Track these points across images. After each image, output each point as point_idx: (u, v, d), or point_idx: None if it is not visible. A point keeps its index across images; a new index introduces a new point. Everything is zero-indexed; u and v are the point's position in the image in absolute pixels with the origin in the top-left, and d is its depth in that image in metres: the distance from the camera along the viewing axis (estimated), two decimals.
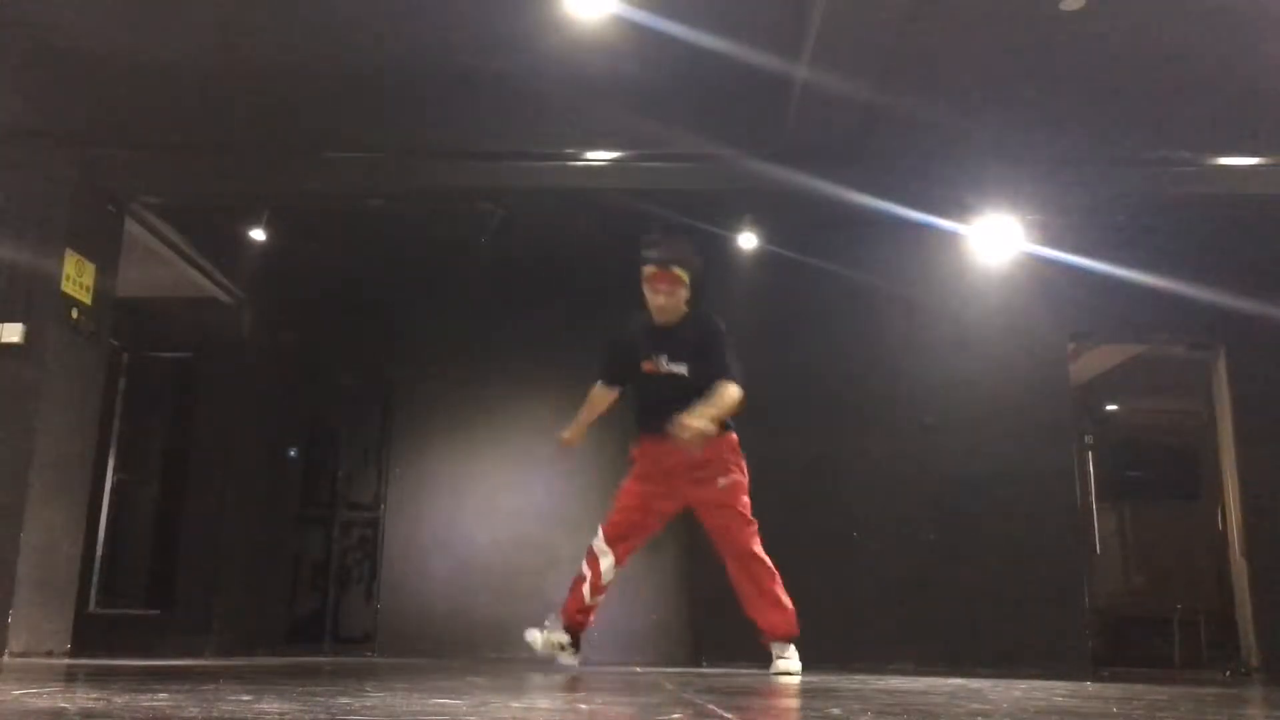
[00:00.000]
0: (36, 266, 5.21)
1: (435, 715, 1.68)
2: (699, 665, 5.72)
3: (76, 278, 5.35)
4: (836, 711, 1.97)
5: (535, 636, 4.06)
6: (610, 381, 4.28)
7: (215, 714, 1.61)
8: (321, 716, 1.61)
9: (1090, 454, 7.81)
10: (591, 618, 4.10)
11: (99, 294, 5.52)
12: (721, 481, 3.96)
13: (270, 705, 1.80)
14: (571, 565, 7.34)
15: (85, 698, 1.98)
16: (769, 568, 3.98)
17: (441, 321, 7.74)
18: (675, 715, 1.84)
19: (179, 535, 7.13)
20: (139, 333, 7.24)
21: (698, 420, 3.65)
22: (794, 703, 2.35)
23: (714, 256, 6.56)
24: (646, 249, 4.00)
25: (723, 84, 5.24)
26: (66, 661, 4.51)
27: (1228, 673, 6.14)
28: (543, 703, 2.10)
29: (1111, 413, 8.66)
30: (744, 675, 4.06)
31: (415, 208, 6.46)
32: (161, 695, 2.00)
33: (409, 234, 7.00)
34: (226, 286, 7.07)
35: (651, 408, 3.98)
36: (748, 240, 6.35)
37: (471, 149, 5.67)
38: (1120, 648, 7.47)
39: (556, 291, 7.53)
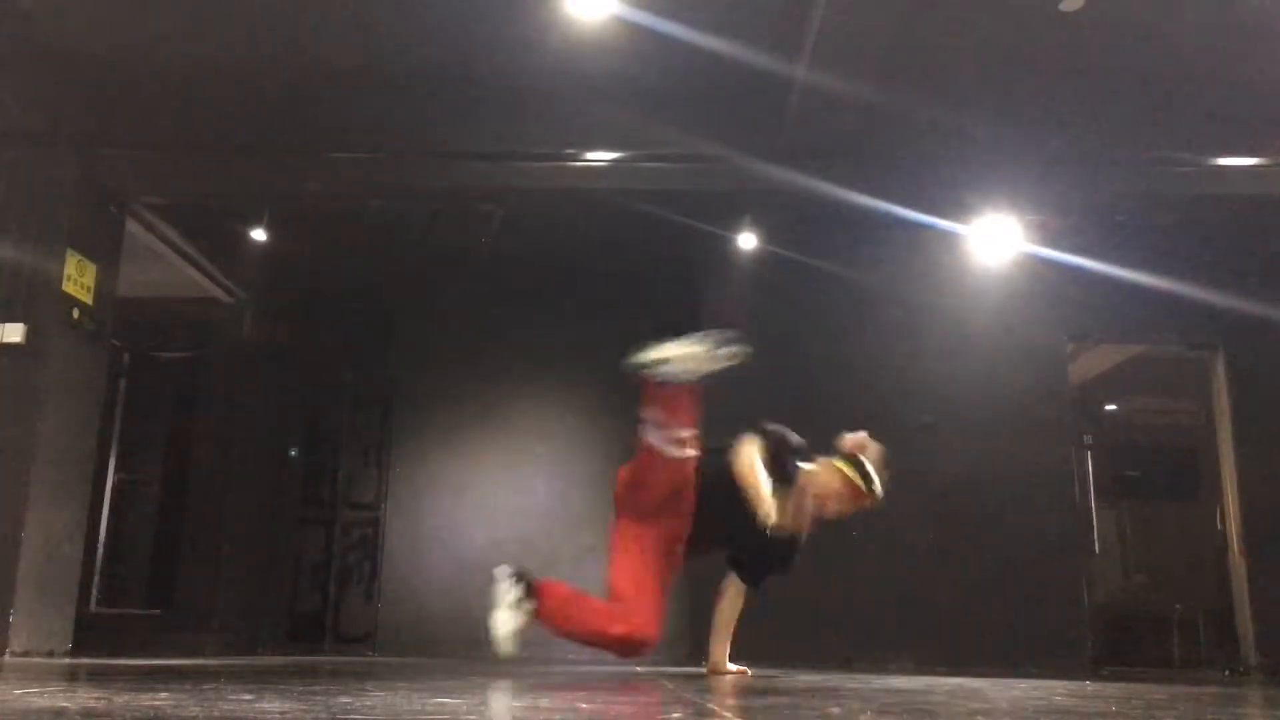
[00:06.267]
0: (38, 266, 5.21)
1: (435, 715, 1.68)
2: (699, 665, 5.72)
3: (78, 278, 5.36)
4: (836, 711, 1.98)
5: None
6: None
7: (216, 714, 1.62)
8: (322, 716, 1.61)
9: (1089, 454, 7.81)
10: None
11: (100, 294, 5.52)
12: None
13: (271, 705, 1.80)
14: (571, 565, 7.42)
15: (86, 697, 1.98)
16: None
17: (441, 321, 7.75)
18: (675, 715, 1.85)
19: (179, 535, 7.13)
20: (140, 333, 7.24)
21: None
22: (794, 702, 2.35)
23: (714, 256, 6.60)
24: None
25: (723, 84, 5.24)
26: (67, 661, 4.52)
27: (1227, 672, 6.14)
28: (543, 702, 2.10)
29: (1110, 413, 8.66)
30: (744, 675, 4.06)
31: (415, 208, 6.46)
32: (162, 694, 2.00)
33: (409, 234, 7.00)
34: (227, 286, 7.07)
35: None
36: (748, 240, 6.35)
37: (471, 149, 5.67)
38: (1120, 647, 7.47)
39: (556, 292, 7.54)
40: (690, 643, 6.70)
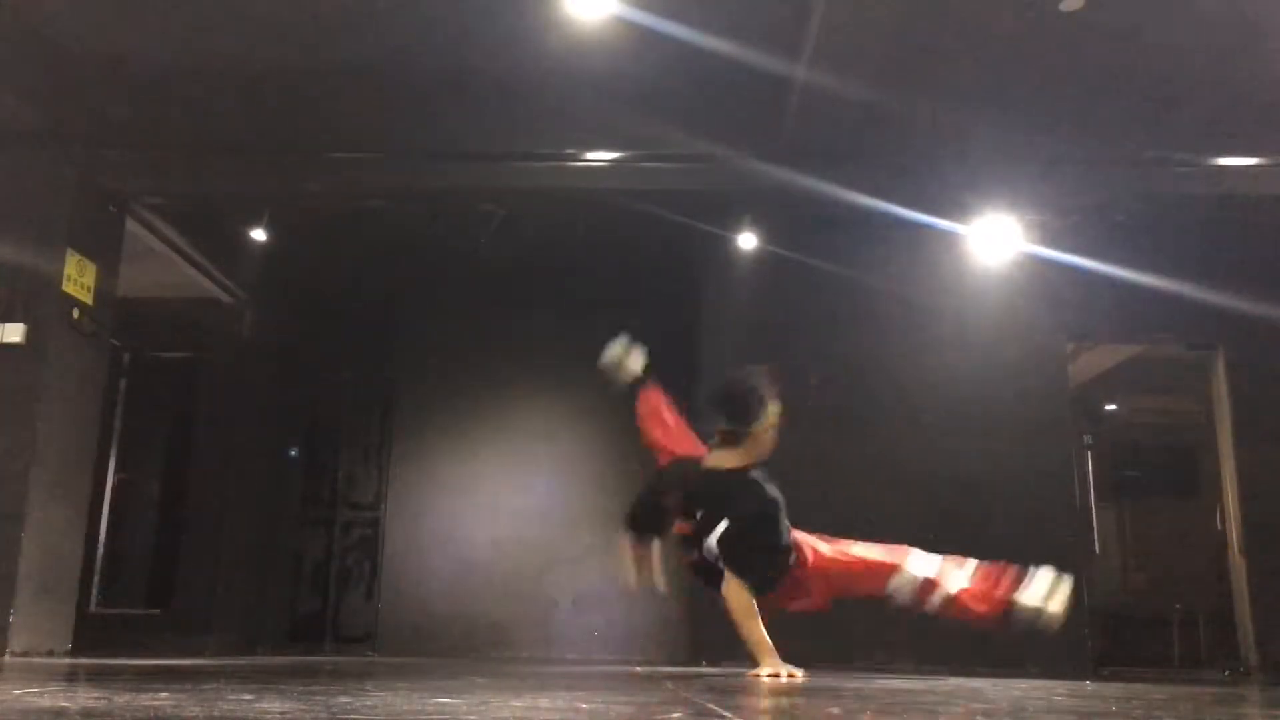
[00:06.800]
0: (37, 267, 5.21)
1: (435, 715, 1.68)
2: (699, 665, 5.73)
3: (78, 278, 5.36)
4: (836, 711, 1.98)
5: None
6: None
7: (216, 713, 1.62)
8: (322, 716, 1.61)
9: (1089, 454, 7.82)
10: None
11: (100, 294, 5.52)
12: None
13: (271, 705, 1.80)
14: (571, 565, 7.43)
15: (86, 697, 1.98)
16: None
17: (441, 321, 7.75)
18: (675, 715, 1.85)
19: (179, 535, 7.14)
20: (140, 333, 7.24)
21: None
22: (794, 702, 2.36)
23: (714, 256, 6.60)
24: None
25: (723, 84, 5.24)
26: (67, 661, 4.52)
27: (1227, 672, 6.14)
28: (543, 702, 2.10)
29: (1111, 413, 8.67)
30: (744, 675, 4.06)
31: (415, 208, 6.47)
32: (162, 695, 2.00)
33: (409, 234, 7.00)
34: (227, 286, 7.07)
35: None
36: (748, 240, 6.35)
37: (471, 149, 5.67)
38: (1120, 647, 7.47)
39: (556, 292, 7.54)
40: (690, 642, 6.70)
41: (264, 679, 2.70)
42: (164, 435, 7.71)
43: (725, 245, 6.39)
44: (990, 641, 5.96)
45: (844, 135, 5.46)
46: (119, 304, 5.81)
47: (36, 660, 4.59)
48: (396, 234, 6.98)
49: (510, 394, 7.65)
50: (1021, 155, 5.64)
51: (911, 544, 6.16)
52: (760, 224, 6.29)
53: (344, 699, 2.00)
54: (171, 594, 7.06)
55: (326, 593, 7.63)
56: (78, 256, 5.36)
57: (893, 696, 2.52)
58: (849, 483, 6.25)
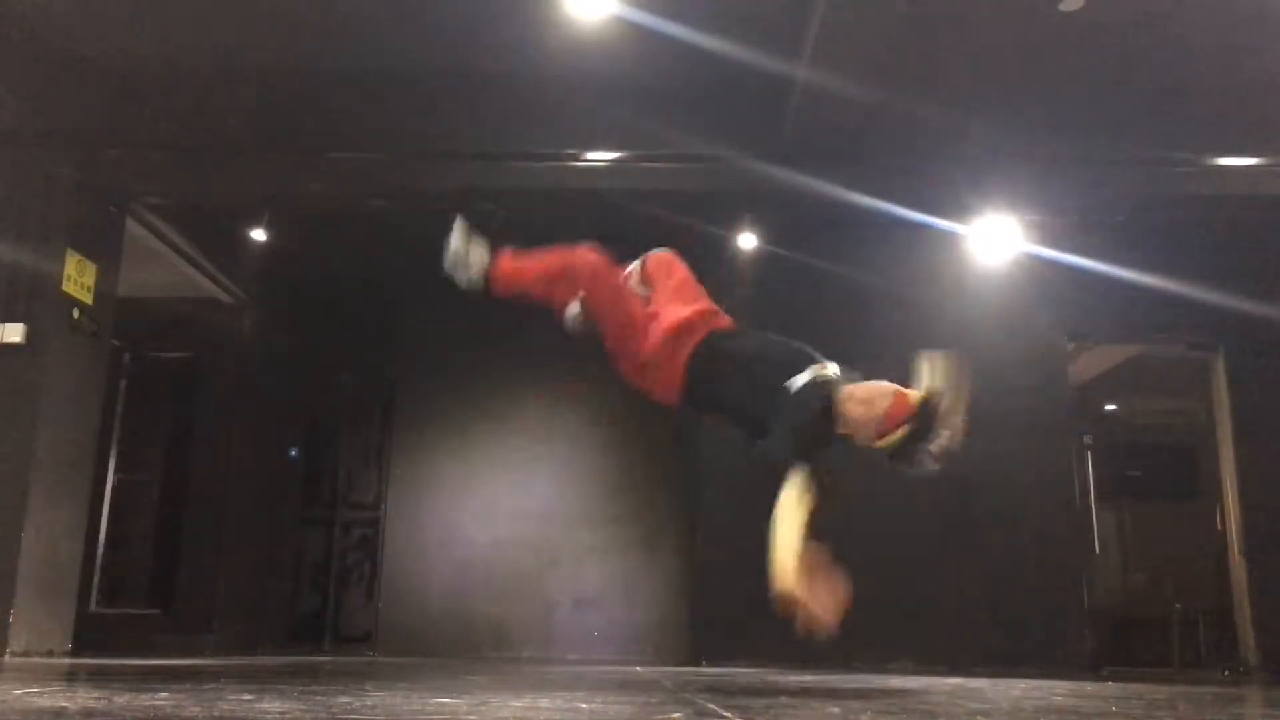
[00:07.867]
0: (38, 267, 5.21)
1: (435, 715, 1.68)
2: (699, 665, 5.72)
3: (78, 278, 5.36)
4: (836, 710, 1.98)
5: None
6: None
7: (216, 713, 1.62)
8: (322, 716, 1.61)
9: (1090, 454, 7.82)
10: None
11: (100, 294, 5.52)
12: None
13: (271, 705, 1.80)
14: (571, 565, 7.43)
15: (86, 697, 1.98)
16: None
17: (442, 321, 7.75)
18: (675, 715, 1.85)
19: (179, 535, 7.13)
20: (140, 333, 7.24)
21: None
22: (794, 701, 2.36)
23: (714, 256, 6.60)
24: None
25: (723, 84, 5.24)
26: (68, 661, 4.52)
27: (1227, 672, 6.14)
28: (543, 702, 2.10)
29: (1111, 413, 8.67)
30: (744, 675, 4.07)
31: (415, 208, 6.46)
32: (162, 695, 2.00)
33: (409, 234, 6.99)
34: (227, 286, 7.07)
35: None
36: (748, 240, 6.35)
37: (471, 149, 5.68)
38: (1120, 647, 7.47)
39: None
40: (690, 642, 6.70)
41: (264, 679, 2.70)
42: (164, 435, 7.70)
43: (725, 245, 6.39)
44: (990, 641, 5.97)
45: (844, 135, 5.46)
46: (119, 304, 5.81)
47: (36, 660, 4.59)
48: (396, 234, 6.98)
49: (510, 394, 7.65)
50: (1021, 155, 5.64)
51: (911, 544, 6.19)
52: (760, 224, 6.29)
53: (344, 699, 2.00)
54: (171, 594, 7.05)
55: (326, 593, 7.63)
56: (78, 256, 5.35)
57: (893, 696, 2.52)
58: (848, 482, 6.23)
